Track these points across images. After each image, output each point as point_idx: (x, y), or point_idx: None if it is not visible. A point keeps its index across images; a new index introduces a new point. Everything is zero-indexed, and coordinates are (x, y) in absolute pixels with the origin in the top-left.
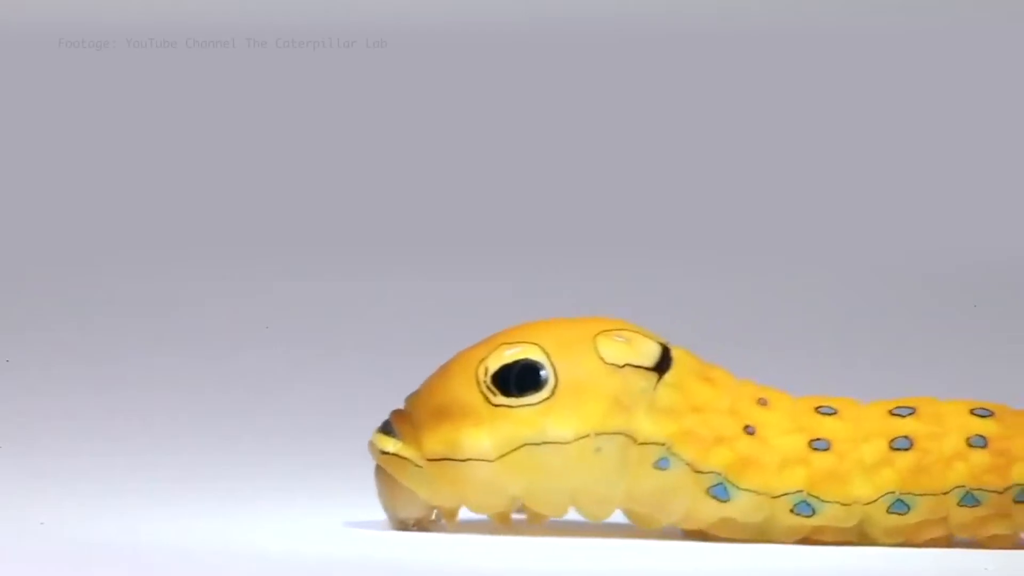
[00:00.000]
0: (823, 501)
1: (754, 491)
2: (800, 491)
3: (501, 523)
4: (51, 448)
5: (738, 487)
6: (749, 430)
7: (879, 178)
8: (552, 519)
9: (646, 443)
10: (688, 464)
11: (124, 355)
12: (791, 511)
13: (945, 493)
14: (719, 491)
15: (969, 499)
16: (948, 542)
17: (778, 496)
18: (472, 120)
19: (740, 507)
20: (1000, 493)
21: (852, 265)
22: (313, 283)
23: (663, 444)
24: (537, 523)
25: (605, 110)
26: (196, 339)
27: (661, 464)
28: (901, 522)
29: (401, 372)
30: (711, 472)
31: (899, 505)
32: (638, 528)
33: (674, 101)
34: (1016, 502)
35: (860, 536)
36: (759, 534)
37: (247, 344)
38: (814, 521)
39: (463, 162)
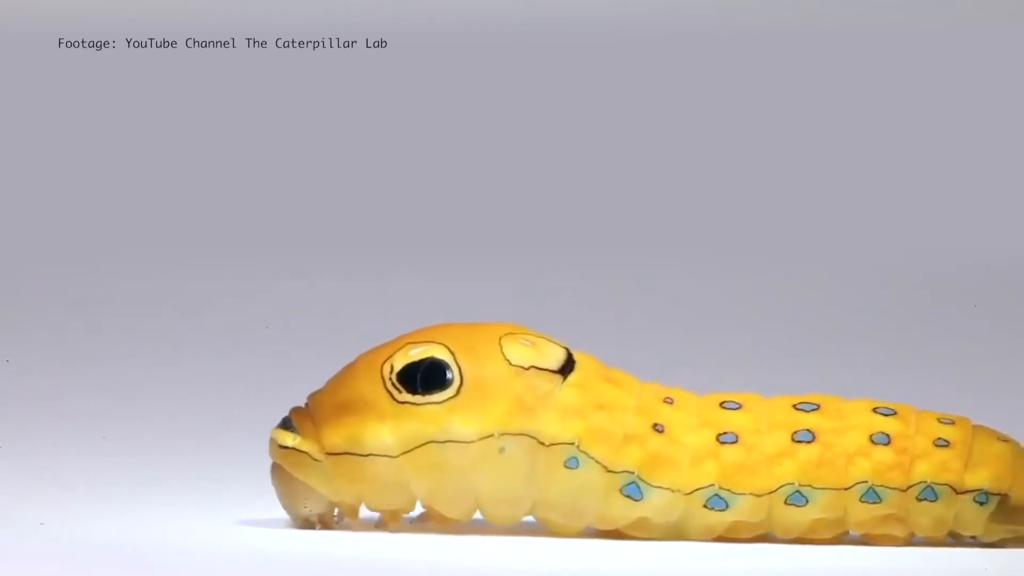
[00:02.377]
0: (735, 494)
1: (667, 488)
2: (712, 485)
3: (392, 522)
4: (51, 448)
5: (651, 485)
6: (658, 428)
7: (878, 178)
8: (458, 522)
9: (554, 444)
10: (598, 462)
11: (124, 355)
12: (705, 506)
13: (847, 488)
14: (632, 490)
15: (871, 495)
16: (841, 540)
17: (691, 492)
18: (472, 120)
19: (654, 505)
20: (902, 491)
21: (851, 265)
22: (313, 283)
23: (572, 443)
24: (439, 523)
25: (605, 110)
26: (196, 339)
27: (571, 463)
28: (799, 516)
29: None
30: (623, 471)
31: (797, 497)
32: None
33: (674, 102)
34: (919, 500)
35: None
36: (675, 533)
37: (247, 344)
38: (729, 516)
39: (463, 162)
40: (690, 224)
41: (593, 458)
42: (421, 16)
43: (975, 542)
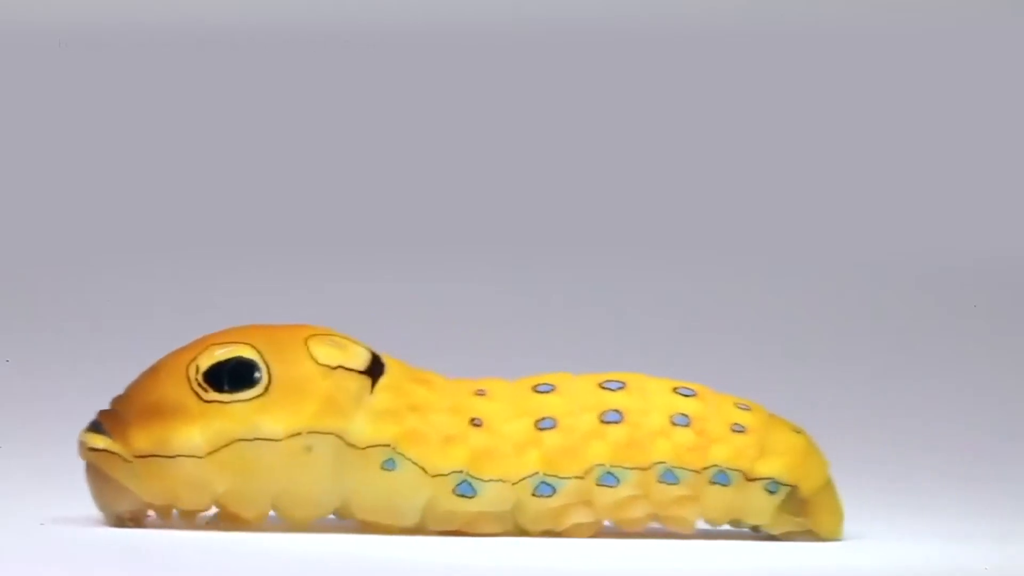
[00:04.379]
0: (560, 478)
1: (497, 480)
2: (537, 472)
3: (187, 520)
4: (51, 448)
5: (481, 480)
6: (476, 422)
7: (877, 178)
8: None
9: (370, 446)
10: (416, 464)
11: (125, 355)
12: (533, 494)
13: (646, 469)
14: (465, 488)
15: (669, 476)
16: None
17: (518, 481)
18: (471, 120)
19: (488, 499)
20: (697, 473)
21: (851, 266)
22: (312, 283)
23: (387, 445)
24: (232, 524)
25: (602, 110)
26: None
27: (388, 465)
28: (611, 496)
29: None
30: (453, 472)
31: (608, 478)
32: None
33: (671, 102)
34: (711, 483)
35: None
36: (512, 525)
37: None
38: (557, 500)
39: (461, 161)
40: (687, 224)
41: (410, 459)
42: (421, 16)
43: (761, 534)
